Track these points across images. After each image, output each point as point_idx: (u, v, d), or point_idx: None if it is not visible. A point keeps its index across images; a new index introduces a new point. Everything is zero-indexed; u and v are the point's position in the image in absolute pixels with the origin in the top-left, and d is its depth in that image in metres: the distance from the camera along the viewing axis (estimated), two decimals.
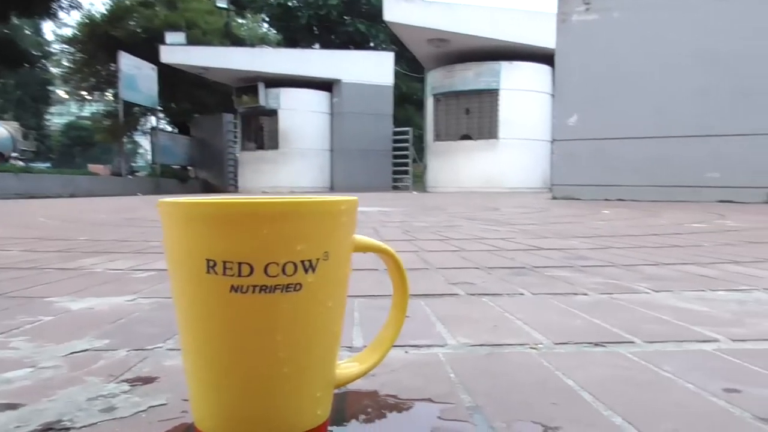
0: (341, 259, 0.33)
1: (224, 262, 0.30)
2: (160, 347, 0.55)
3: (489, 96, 11.09)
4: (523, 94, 11.08)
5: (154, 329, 0.63)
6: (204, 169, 16.05)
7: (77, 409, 0.39)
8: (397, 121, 16.28)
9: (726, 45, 4.78)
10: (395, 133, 14.61)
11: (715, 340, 0.58)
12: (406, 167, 14.52)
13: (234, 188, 15.54)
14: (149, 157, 21.89)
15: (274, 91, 13.68)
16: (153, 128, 15.97)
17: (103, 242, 1.57)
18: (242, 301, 0.30)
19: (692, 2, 4.99)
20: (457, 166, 11.34)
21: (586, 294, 0.82)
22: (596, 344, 0.56)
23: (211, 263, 0.30)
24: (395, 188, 14.82)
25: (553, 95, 11.07)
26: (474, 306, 0.74)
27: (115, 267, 1.10)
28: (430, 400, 0.41)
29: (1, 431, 0.36)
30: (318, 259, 0.32)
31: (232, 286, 0.30)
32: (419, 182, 14.72)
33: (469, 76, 11.23)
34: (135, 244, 1.50)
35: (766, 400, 0.42)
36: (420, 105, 19.03)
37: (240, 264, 0.30)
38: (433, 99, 11.81)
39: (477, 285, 0.88)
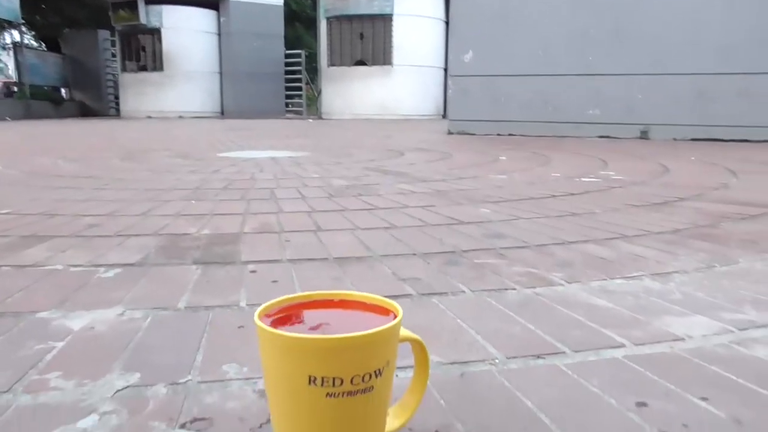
0: (394, 359, 0.45)
1: (323, 378, 0.41)
2: (190, 380, 0.65)
3: (383, 21, 11.04)
4: (416, 20, 11.13)
5: (168, 357, 0.72)
6: (80, 91, 14.95)
7: None
8: (288, 41, 15.83)
9: None
10: (287, 56, 14.23)
11: (623, 346, 0.76)
12: (299, 91, 14.28)
13: (115, 112, 14.65)
14: (11, 73, 19.95)
15: (155, 8, 12.81)
16: (16, 44, 14.54)
17: (30, 218, 1.56)
18: (334, 403, 0.42)
19: None
20: (351, 92, 11.34)
21: (514, 289, 0.99)
22: (538, 356, 0.72)
23: (313, 378, 0.41)
24: (288, 112, 14.61)
25: (446, 22, 11.20)
26: (429, 311, 0.88)
27: (71, 261, 1.14)
28: None
29: None
30: (383, 367, 0.44)
31: (328, 393, 0.42)
32: (313, 106, 14.58)
33: (362, 0, 11.07)
34: (67, 222, 1.51)
35: (666, 413, 0.59)
36: (310, 23, 18.51)
37: (334, 378, 0.42)
38: (326, 22, 11.58)
39: (423, 281, 1.03)
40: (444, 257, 1.19)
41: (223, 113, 13.89)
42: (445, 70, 11.00)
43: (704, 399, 0.62)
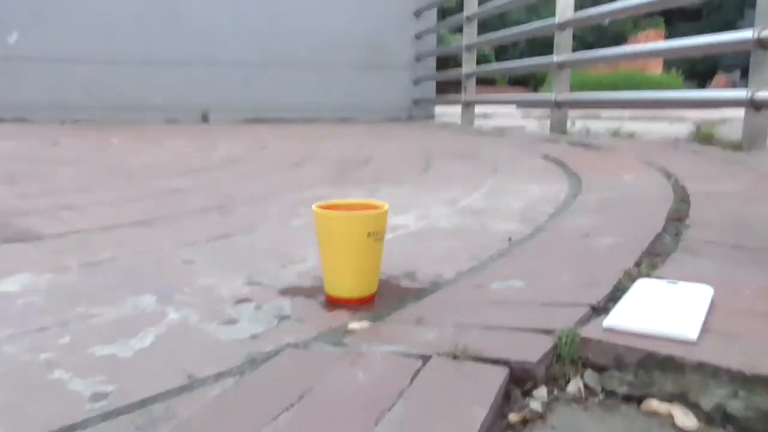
0: None
1: (375, 231, 0.79)
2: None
3: None
4: None
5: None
6: None
7: None
8: None
9: None
10: None
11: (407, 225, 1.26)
12: None
13: None
14: None
15: None
16: None
17: None
18: (377, 245, 0.80)
19: None
20: None
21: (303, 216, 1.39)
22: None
23: (370, 233, 0.79)
24: None
25: None
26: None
27: None
28: None
29: None
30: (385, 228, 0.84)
31: (376, 240, 0.80)
32: None
33: None
34: None
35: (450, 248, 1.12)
36: None
37: (377, 231, 0.80)
38: None
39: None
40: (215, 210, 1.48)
41: None
42: None
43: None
